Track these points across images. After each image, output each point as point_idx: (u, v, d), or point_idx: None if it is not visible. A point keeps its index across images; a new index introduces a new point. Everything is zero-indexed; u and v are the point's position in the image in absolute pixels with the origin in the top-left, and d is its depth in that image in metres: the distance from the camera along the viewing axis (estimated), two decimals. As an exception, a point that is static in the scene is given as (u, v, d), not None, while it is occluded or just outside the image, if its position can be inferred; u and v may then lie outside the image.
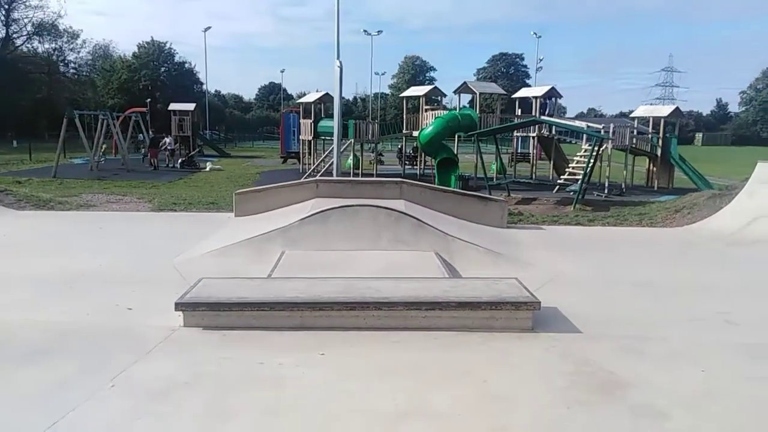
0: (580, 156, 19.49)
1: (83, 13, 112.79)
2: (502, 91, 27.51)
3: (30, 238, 8.00)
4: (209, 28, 59.98)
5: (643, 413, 3.26)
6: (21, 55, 53.08)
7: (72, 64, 58.43)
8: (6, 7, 50.63)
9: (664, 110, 22.78)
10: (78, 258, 6.73)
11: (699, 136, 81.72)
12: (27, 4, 51.47)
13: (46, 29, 53.17)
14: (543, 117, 22.32)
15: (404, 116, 25.17)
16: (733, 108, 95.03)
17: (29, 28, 52.74)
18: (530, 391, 3.53)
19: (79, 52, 58.09)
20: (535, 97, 24.48)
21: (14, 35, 52.70)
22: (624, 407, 3.33)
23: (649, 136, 21.67)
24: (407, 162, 27.06)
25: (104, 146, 25.26)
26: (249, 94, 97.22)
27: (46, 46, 55.09)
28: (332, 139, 17.38)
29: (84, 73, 59.54)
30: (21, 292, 5.32)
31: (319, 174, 19.78)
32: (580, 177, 16.59)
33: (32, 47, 54.56)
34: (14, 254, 6.96)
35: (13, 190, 12.25)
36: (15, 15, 51.63)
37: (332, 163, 16.68)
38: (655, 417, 3.22)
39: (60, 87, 54.06)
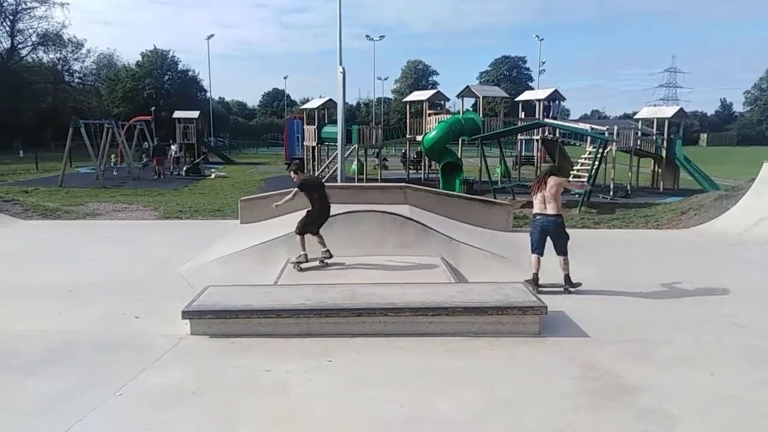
0: (585, 158, 19.45)
1: (88, 22, 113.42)
2: (505, 95, 27.49)
3: (37, 248, 8.04)
4: (212, 35, 60.52)
5: (651, 418, 3.24)
6: (26, 65, 53.46)
7: (77, 74, 58.82)
8: (11, 18, 51.09)
9: (668, 111, 22.68)
10: (85, 267, 6.76)
11: (704, 136, 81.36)
12: (32, 14, 51.91)
13: (50, 39, 53.55)
14: (546, 120, 22.29)
15: (408, 121, 25.19)
16: (738, 108, 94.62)
17: (34, 38, 53.15)
18: (538, 396, 3.52)
19: (83, 61, 58.51)
20: (539, 100, 24.45)
21: (19, 45, 53.12)
22: (632, 412, 3.31)
23: (654, 137, 21.58)
24: (411, 166, 27.07)
25: (114, 158, 25.31)
26: (253, 100, 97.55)
27: (51, 55, 55.46)
28: (336, 145, 17.43)
29: (89, 82, 59.91)
30: (28, 301, 5.35)
31: (324, 180, 19.81)
32: (585, 179, 16.55)
33: (37, 57, 54.95)
34: (21, 264, 7.00)
35: (20, 200, 12.33)
36: (20, 26, 52.06)
37: (336, 168, 16.72)
38: (663, 422, 3.20)
39: (65, 96, 54.37)
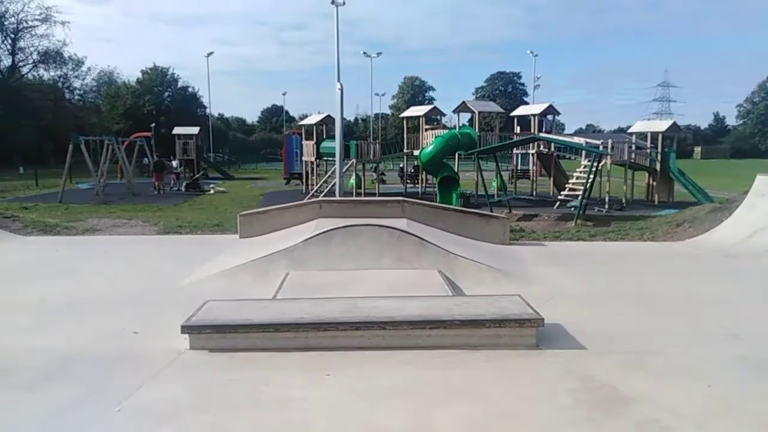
0: (580, 172, 19.58)
1: (88, 40, 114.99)
2: (501, 110, 27.76)
3: (36, 264, 8.05)
4: (212, 53, 61.10)
5: (649, 430, 3.26)
6: (27, 82, 53.83)
7: (77, 91, 59.28)
8: (12, 36, 51.55)
9: (662, 125, 22.91)
10: (84, 282, 6.78)
11: (698, 149, 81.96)
12: (33, 33, 52.46)
13: (51, 57, 54.02)
14: (541, 134, 22.50)
15: (405, 136, 25.39)
16: (731, 121, 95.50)
17: (35, 56, 53.65)
18: (535, 408, 3.54)
19: (84, 78, 59.01)
20: (534, 115, 24.70)
21: (20, 63, 53.58)
22: (630, 424, 3.33)
23: (648, 150, 21.76)
24: (409, 181, 27.20)
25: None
26: (252, 116, 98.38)
27: (52, 73, 55.96)
28: (334, 160, 17.54)
29: (89, 100, 60.31)
30: (27, 317, 5.36)
31: (322, 194, 19.89)
32: (581, 193, 16.65)
33: (38, 75, 55.43)
34: (21, 280, 7.01)
35: (19, 216, 12.34)
36: (21, 44, 52.59)
37: (335, 183, 16.81)
38: (660, 432, 3.22)
39: (65, 113, 54.63)
